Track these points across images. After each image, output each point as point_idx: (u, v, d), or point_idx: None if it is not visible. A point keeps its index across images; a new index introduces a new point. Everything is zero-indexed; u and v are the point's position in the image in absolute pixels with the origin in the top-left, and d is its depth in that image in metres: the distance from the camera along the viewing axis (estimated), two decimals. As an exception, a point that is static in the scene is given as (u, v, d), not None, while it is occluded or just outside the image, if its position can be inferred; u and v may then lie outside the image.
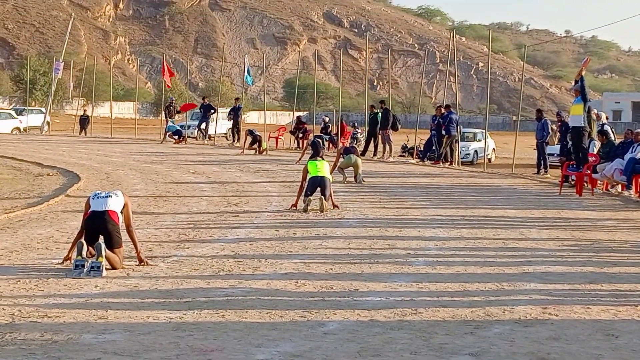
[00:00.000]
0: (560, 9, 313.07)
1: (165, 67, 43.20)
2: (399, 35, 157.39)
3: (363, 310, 8.13)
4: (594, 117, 23.13)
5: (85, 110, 52.97)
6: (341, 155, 22.73)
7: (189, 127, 43.57)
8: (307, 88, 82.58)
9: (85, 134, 47.78)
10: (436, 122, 30.99)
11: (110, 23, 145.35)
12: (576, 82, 22.85)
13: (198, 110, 43.36)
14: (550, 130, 28.06)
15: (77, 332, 7.20)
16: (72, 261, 9.87)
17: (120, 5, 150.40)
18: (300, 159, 27.03)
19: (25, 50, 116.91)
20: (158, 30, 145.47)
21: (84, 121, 49.41)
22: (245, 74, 42.36)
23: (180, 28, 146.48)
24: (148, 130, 52.43)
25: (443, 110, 30.85)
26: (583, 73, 22.37)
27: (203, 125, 41.28)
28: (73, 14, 77.41)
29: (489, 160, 34.14)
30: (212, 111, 41.05)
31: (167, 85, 45.18)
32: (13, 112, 53.74)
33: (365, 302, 8.54)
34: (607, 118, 24.81)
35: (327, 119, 40.38)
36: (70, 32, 60.22)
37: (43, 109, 55.46)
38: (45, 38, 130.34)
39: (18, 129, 49.63)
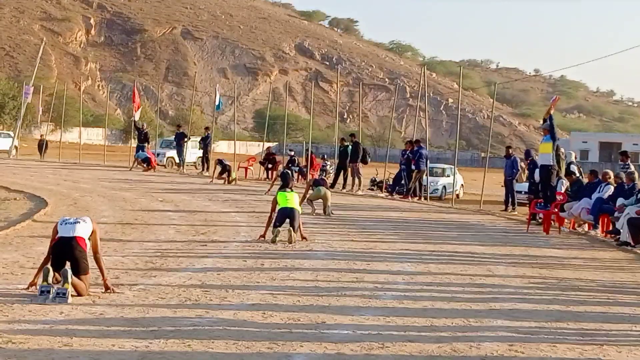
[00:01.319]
0: (530, 48, 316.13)
1: (136, 94, 43.14)
2: (370, 69, 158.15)
3: (330, 343, 8.11)
4: (562, 155, 23.31)
5: (42, 135, 52.86)
6: (310, 187, 22.73)
7: (158, 154, 43.56)
8: (278, 119, 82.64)
9: (43, 158, 47.62)
10: (406, 156, 31.11)
11: (82, 49, 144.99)
12: (544, 120, 23.03)
13: (171, 139, 43.39)
14: (519, 168, 28.23)
15: (42, 358, 7.14)
16: (38, 287, 9.79)
17: (92, 32, 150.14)
18: (269, 190, 27.02)
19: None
20: (129, 57, 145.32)
21: (41, 145, 49.39)
22: (217, 101, 42.48)
23: (152, 56, 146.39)
24: (117, 157, 52.17)
25: (413, 145, 30.99)
26: (552, 111, 22.55)
27: (182, 153, 41.26)
28: (44, 38, 77.25)
29: (457, 196, 34.24)
30: (186, 139, 41.14)
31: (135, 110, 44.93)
32: (-19, 136, 53.45)
33: (333, 335, 8.52)
34: (575, 157, 24.97)
35: (292, 152, 40.43)
36: (41, 57, 60.03)
37: (11, 133, 55.15)
38: (16, 62, 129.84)
39: (-14, 152, 49.31)
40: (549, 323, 9.64)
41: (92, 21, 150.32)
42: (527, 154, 27.19)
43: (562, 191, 22.29)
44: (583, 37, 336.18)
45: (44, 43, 62.32)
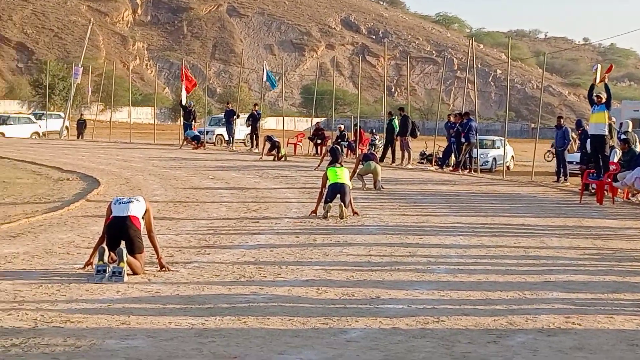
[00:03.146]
0: (579, 17, 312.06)
1: (184, 74, 43.14)
2: (417, 42, 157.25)
3: (385, 318, 8.11)
4: (614, 125, 23.03)
5: (82, 115, 53.36)
6: (360, 162, 22.70)
7: (207, 132, 43.75)
8: (325, 94, 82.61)
9: (82, 138, 48.09)
10: (455, 129, 30.93)
11: (129, 28, 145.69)
12: (591, 88, 22.69)
13: (220, 116, 43.47)
14: (570, 138, 27.97)
15: (100, 337, 7.21)
16: (94, 266, 9.90)
17: (139, 11, 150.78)
18: (319, 166, 27.01)
19: (44, 55, 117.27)
20: (176, 36, 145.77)
21: (81, 125, 49.86)
22: (267, 78, 42.42)
23: (198, 34, 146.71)
24: (166, 136, 52.56)
25: (456, 119, 30.88)
26: (606, 80, 22.25)
27: (232, 131, 41.29)
28: (92, 19, 77.67)
29: (508, 167, 34.03)
30: (235, 117, 41.18)
31: (187, 90, 44.73)
32: (32, 117, 54.07)
33: (387, 309, 8.52)
34: (632, 127, 24.62)
35: (342, 127, 40.29)
36: (89, 38, 60.55)
37: (62, 114, 55.72)
38: (64, 43, 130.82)
39: (37, 133, 49.93)
40: (605, 294, 9.56)
41: (138, 0, 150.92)
42: (579, 124, 26.92)
43: (615, 161, 22.05)
44: (633, 3, 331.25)
45: (91, 24, 62.79)
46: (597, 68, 22.85)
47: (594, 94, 22.01)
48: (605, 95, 21.74)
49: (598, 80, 22.42)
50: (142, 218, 10.40)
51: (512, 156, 38.10)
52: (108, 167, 26.96)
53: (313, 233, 14.00)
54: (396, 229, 14.83)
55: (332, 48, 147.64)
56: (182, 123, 42.96)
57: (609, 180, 21.05)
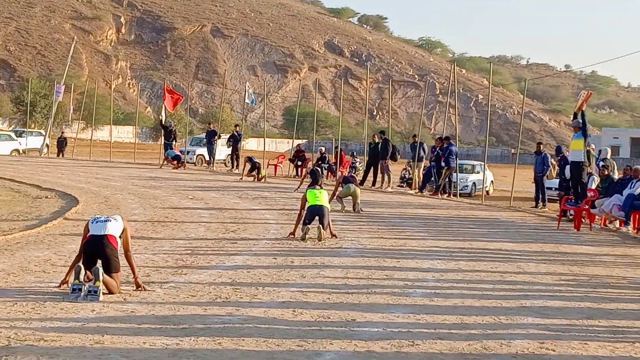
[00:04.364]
0: (561, 44, 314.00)
1: (166, 92, 43.05)
2: (400, 66, 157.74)
3: (360, 341, 8.12)
4: (593, 152, 23.17)
5: (62, 133, 53.32)
6: (340, 184, 22.74)
7: (187, 152, 43.72)
8: (307, 116, 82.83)
9: (63, 156, 48.02)
10: (435, 153, 31.06)
11: (112, 47, 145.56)
12: (575, 115, 22.86)
13: (201, 136, 43.49)
14: (550, 164, 28.12)
15: (74, 356, 7.19)
16: (70, 285, 9.87)
17: (123, 30, 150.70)
18: (299, 187, 27.05)
19: (27, 73, 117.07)
20: (159, 56, 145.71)
21: (61, 143, 49.82)
22: (248, 97, 42.47)
23: (182, 54, 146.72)
24: (147, 155, 52.46)
25: (443, 142, 30.96)
26: (584, 108, 22.41)
27: (213, 151, 41.28)
28: (75, 37, 77.56)
29: (487, 192, 34.15)
30: (217, 137, 41.23)
31: (171, 109, 44.48)
32: (13, 134, 53.92)
33: (363, 332, 8.53)
34: (610, 154, 24.78)
35: (323, 149, 40.37)
36: (72, 56, 60.39)
37: (42, 132, 55.56)
38: (47, 61, 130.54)
39: (17, 150, 49.82)
40: (580, 321, 9.60)
41: (122, 19, 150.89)
42: (558, 150, 27.06)
43: (593, 187, 22.16)
44: (614, 32, 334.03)
45: (75, 42, 62.68)
46: (581, 95, 23.06)
47: (571, 124, 22.16)
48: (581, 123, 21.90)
49: (577, 107, 22.57)
50: (120, 237, 10.38)
51: (492, 181, 38.23)
52: (87, 185, 26.89)
53: (291, 255, 14.00)
54: (374, 251, 14.85)
55: (315, 70, 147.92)
56: (162, 142, 42.91)
57: (587, 206, 21.16)
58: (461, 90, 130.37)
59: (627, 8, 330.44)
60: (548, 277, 12.75)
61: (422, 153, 33.10)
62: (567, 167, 23.15)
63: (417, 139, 34.20)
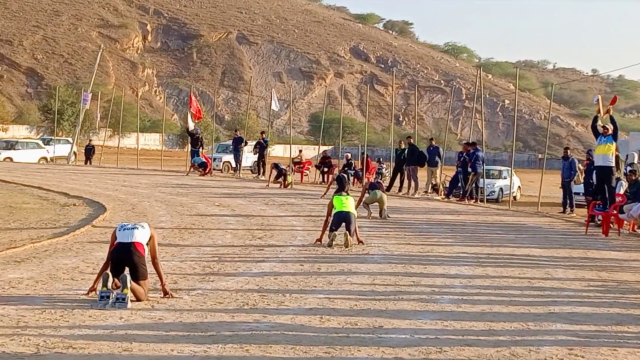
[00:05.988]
0: (588, 48, 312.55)
1: (194, 102, 43.22)
2: (425, 72, 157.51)
3: (387, 348, 8.10)
4: (620, 156, 23.02)
5: (90, 140, 53.55)
6: (366, 191, 22.72)
7: (214, 159, 43.85)
8: (333, 122, 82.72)
9: (90, 164, 48.23)
10: (462, 159, 30.99)
11: (139, 55, 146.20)
12: (595, 118, 22.59)
13: (227, 144, 43.52)
14: (577, 169, 27.97)
15: (102, 363, 7.21)
16: (98, 292, 9.90)
17: (149, 38, 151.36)
18: (325, 194, 27.05)
19: (54, 81, 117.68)
20: (185, 63, 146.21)
21: (89, 151, 50.02)
22: (274, 105, 42.45)
23: (208, 61, 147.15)
24: (174, 162, 52.67)
25: (469, 148, 30.87)
26: (611, 112, 22.26)
27: (239, 158, 41.30)
28: (102, 45, 77.92)
29: (514, 198, 34.03)
30: (243, 144, 41.28)
31: (196, 118, 44.44)
32: (40, 142, 54.25)
33: (390, 339, 8.51)
34: (638, 158, 24.60)
35: (349, 156, 40.35)
36: (99, 64, 60.70)
37: (70, 139, 55.89)
38: (74, 69, 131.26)
39: (45, 158, 50.11)
40: (609, 327, 9.53)
41: (148, 27, 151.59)
42: (590, 153, 26.88)
43: (621, 192, 22.02)
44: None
45: (101, 50, 63.00)
46: (598, 99, 22.86)
47: (600, 126, 22.00)
48: (612, 127, 21.75)
49: (602, 112, 22.41)
50: (147, 244, 10.42)
51: (519, 186, 38.10)
52: (114, 193, 27.00)
53: (318, 261, 14.00)
54: (401, 258, 14.81)
55: (341, 76, 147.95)
56: (189, 150, 43.04)
57: (615, 212, 21.03)
58: (487, 96, 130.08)
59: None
60: (576, 283, 12.68)
61: (437, 158, 32.91)
62: (594, 172, 23.01)
63: (433, 142, 34.11)
